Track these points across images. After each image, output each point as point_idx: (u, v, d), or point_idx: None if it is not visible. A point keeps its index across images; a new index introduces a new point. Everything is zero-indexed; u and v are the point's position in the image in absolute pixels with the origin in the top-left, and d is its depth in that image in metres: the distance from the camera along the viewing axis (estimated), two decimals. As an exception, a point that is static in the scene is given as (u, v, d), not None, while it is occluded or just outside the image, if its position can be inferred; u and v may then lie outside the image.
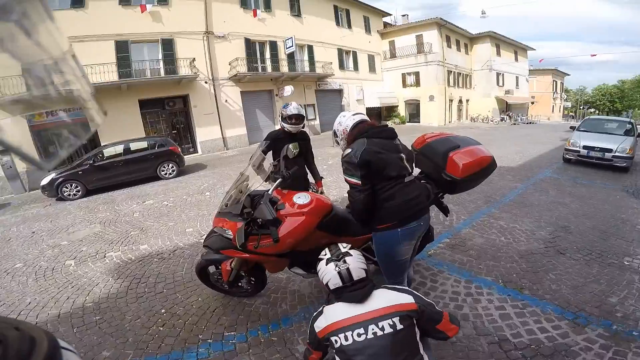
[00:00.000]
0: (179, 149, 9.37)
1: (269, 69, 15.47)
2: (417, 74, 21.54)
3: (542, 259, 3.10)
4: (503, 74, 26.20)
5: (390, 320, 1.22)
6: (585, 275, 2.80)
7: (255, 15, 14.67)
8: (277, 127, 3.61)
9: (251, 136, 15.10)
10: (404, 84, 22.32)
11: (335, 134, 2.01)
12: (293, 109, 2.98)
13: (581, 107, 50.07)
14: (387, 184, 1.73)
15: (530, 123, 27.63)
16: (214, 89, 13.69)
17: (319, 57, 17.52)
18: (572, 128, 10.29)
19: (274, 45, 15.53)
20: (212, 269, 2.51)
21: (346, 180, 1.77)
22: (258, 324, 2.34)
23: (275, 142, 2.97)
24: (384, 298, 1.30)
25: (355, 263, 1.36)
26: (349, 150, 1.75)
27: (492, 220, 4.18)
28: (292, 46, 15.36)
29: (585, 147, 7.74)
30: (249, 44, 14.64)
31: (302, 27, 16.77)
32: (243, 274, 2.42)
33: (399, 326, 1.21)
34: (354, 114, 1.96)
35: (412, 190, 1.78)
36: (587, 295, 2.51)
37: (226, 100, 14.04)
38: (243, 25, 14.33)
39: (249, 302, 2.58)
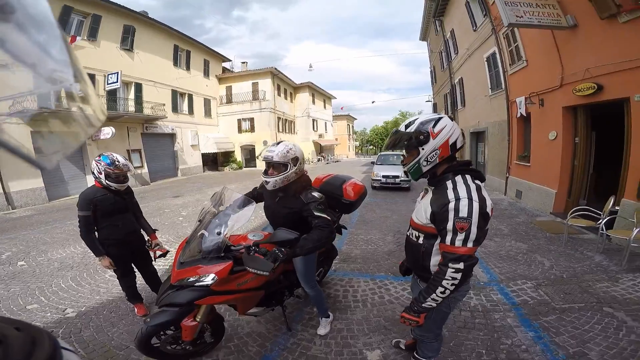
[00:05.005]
0: None
1: (79, 105, 12.72)
2: (252, 120, 23.29)
3: (400, 253, 4.65)
4: (317, 120, 32.26)
5: None
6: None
7: (73, 41, 12.05)
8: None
9: (52, 191, 11.46)
10: (240, 130, 23.51)
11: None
12: (122, 165, 2.59)
13: (365, 146, 68.65)
14: None
15: (337, 161, 35.75)
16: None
17: (150, 97, 16.03)
18: (373, 163, 14.57)
19: (90, 79, 12.96)
20: (153, 339, 2.14)
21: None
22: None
23: (100, 204, 2.59)
24: None
25: None
26: None
27: (354, 236, 5.60)
28: (117, 82, 13.37)
29: (384, 176, 11.28)
30: (54, 73, 11.66)
31: (132, 62, 15.12)
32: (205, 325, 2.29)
33: None
34: None
35: None
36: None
37: (5, 142, 10.15)
38: (50, 51, 11.42)
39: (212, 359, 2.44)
